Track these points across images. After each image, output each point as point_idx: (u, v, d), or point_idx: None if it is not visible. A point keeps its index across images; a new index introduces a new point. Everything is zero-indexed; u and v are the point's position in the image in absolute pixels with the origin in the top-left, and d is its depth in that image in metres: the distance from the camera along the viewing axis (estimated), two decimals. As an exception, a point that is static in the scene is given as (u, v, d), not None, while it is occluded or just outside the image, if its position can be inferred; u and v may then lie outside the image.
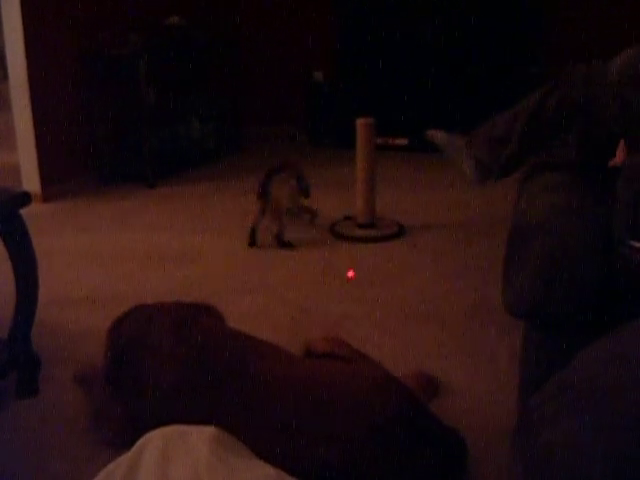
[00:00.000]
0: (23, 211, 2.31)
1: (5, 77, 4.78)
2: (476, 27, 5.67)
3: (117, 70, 5.04)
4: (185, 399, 1.85)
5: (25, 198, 2.33)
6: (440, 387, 2.35)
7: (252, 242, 3.81)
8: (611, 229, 1.67)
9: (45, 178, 4.64)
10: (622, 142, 2.24)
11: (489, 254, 3.50)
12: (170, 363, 1.89)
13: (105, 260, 3.66)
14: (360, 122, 3.90)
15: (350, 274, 3.42)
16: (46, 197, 4.63)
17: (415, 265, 3.53)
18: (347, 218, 4.13)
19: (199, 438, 1.38)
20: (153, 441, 1.40)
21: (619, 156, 2.22)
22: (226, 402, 1.80)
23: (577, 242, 1.68)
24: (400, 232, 3.98)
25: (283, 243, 3.78)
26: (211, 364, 1.88)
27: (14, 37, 4.42)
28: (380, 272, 3.45)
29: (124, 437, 1.81)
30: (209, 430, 1.41)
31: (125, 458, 1.38)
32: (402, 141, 5.98)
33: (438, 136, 3.21)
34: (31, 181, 4.61)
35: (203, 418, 1.72)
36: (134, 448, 1.40)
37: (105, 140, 5.08)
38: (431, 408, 1.98)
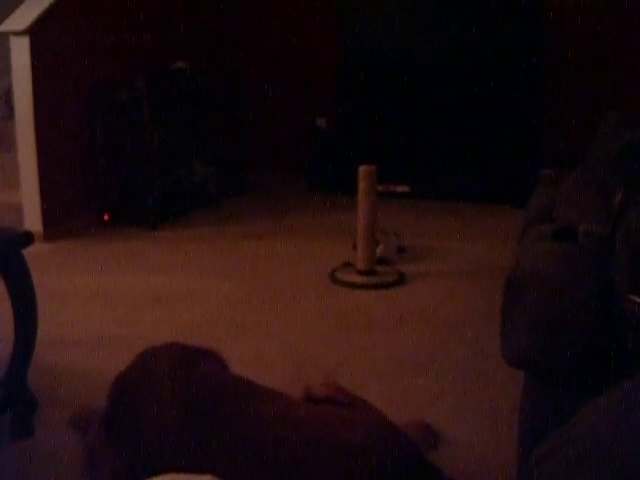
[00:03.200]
0: (24, 250, 2.32)
1: (11, 116, 4.82)
2: (477, 77, 5.74)
3: (122, 112, 5.09)
4: (183, 442, 1.83)
5: (28, 238, 2.34)
6: (439, 437, 2.33)
7: None
8: (610, 280, 1.68)
9: (47, 218, 4.65)
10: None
11: (489, 304, 3.50)
12: (169, 405, 1.88)
13: (105, 301, 3.66)
14: (362, 169, 3.93)
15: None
16: (48, 237, 4.63)
17: (415, 313, 3.52)
18: (347, 264, 4.14)
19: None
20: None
21: None
22: (225, 445, 1.79)
23: (573, 292, 1.68)
24: (400, 280, 3.99)
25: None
26: (210, 407, 1.86)
27: (22, 77, 4.47)
28: (379, 320, 3.45)
29: (119, 482, 1.80)
30: (206, 479, 1.39)
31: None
32: (403, 188, 6.01)
33: None
34: (33, 220, 4.63)
35: (201, 461, 1.70)
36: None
37: (108, 181, 5.11)
38: (429, 458, 1.96)
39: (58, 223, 4.75)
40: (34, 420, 2.37)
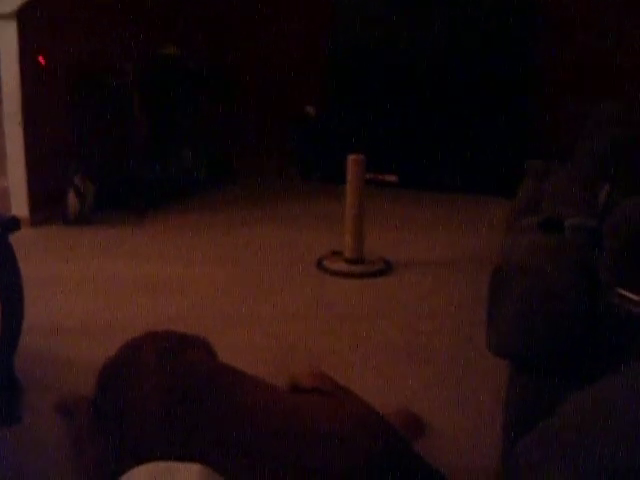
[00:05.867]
0: (10, 235, 2.31)
1: (-1, 102, 4.79)
2: (466, 68, 5.74)
3: (111, 98, 5.06)
4: (169, 430, 1.84)
5: (14, 223, 2.33)
6: (425, 427, 2.35)
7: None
8: (596, 272, 1.69)
9: (34, 202, 4.63)
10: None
11: (475, 292, 3.52)
12: (155, 393, 1.88)
13: (92, 288, 3.65)
14: (351, 158, 3.93)
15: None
16: (34, 222, 4.61)
17: (401, 302, 3.53)
18: (335, 253, 4.14)
19: (186, 476, 1.37)
20: (139, 478, 1.38)
21: None
22: (211, 434, 1.79)
23: (560, 284, 1.69)
24: (387, 268, 4.00)
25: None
26: (196, 396, 1.87)
27: (9, 61, 4.44)
28: (366, 308, 3.45)
29: (104, 469, 1.80)
30: (195, 468, 1.40)
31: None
32: (391, 177, 6.02)
33: None
34: (20, 205, 4.61)
35: (185, 451, 1.71)
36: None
37: (96, 167, 5.08)
38: (415, 447, 1.97)
39: (45, 208, 4.73)
40: (20, 406, 2.36)
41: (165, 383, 1.90)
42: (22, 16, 4.39)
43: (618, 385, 0.97)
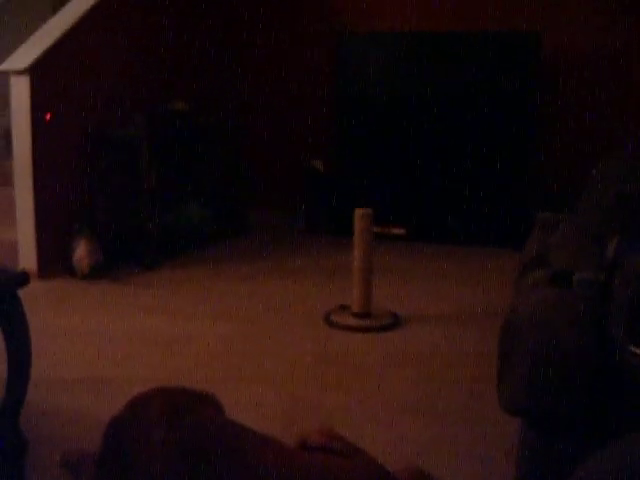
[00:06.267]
0: (19, 290, 2.31)
1: (9, 155, 4.84)
2: (473, 121, 5.80)
3: (120, 152, 5.12)
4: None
5: (23, 278, 2.34)
6: (434, 485, 2.31)
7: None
8: (607, 328, 1.67)
9: (42, 255, 4.65)
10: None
11: (485, 347, 3.50)
12: (161, 452, 1.85)
13: (100, 342, 3.63)
14: (358, 212, 3.94)
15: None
16: (42, 275, 4.62)
17: (410, 356, 3.51)
18: (343, 307, 4.13)
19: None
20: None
21: None
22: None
23: (571, 341, 1.67)
24: (396, 322, 3.97)
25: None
26: (204, 454, 1.84)
27: (21, 116, 4.50)
28: (375, 363, 3.43)
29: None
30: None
31: None
32: (399, 231, 6.03)
33: None
34: (28, 258, 4.62)
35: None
36: None
37: (105, 220, 5.11)
38: (425, 507, 1.94)
39: (53, 261, 4.74)
40: (25, 462, 2.34)
41: (173, 440, 1.87)
42: (34, 72, 4.47)
43: (635, 451, 0.95)
